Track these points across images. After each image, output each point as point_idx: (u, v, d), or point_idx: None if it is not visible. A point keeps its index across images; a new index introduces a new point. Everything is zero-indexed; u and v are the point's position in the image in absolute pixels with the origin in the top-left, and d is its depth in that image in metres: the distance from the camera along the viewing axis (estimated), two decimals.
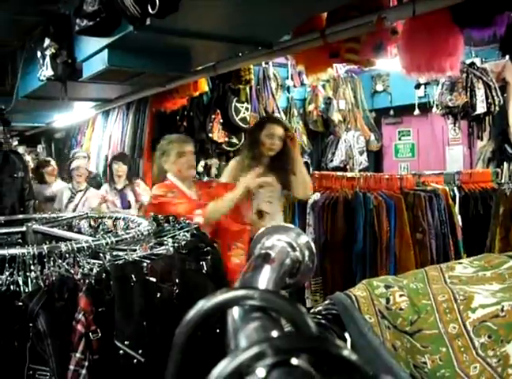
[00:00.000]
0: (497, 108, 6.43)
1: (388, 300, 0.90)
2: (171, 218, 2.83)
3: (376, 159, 8.61)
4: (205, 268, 2.25)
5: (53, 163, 6.99)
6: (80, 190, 5.94)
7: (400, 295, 0.91)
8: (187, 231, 2.51)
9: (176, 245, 2.24)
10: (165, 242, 2.25)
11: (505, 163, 5.91)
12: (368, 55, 3.88)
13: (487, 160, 6.87)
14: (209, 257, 2.34)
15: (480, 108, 6.39)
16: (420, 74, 3.65)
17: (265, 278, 0.55)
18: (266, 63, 6.89)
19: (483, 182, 5.23)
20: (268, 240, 0.67)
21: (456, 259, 4.37)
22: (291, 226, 0.71)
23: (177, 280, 2.05)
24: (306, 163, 7.35)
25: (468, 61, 6.23)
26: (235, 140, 6.59)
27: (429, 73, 3.56)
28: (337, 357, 0.37)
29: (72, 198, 5.90)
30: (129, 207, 5.69)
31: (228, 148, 6.55)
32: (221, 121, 6.39)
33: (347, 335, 0.82)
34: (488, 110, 6.42)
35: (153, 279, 2.00)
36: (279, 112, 7.21)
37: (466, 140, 7.40)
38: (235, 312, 0.46)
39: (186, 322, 0.47)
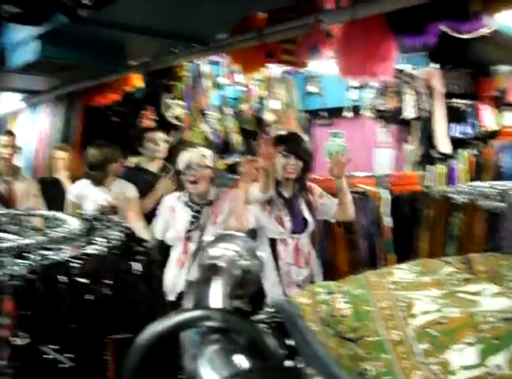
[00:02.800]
0: (425, 114, 6.62)
1: (330, 306, 0.89)
2: (103, 217, 2.76)
3: None
4: (139, 269, 2.19)
5: None
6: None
7: (343, 302, 0.90)
8: (119, 231, 2.45)
9: (108, 244, 2.18)
10: (96, 242, 2.19)
11: (431, 166, 6.10)
12: (303, 57, 3.90)
13: (415, 164, 7.06)
14: (143, 258, 2.29)
15: (410, 113, 6.56)
16: (355, 77, 3.71)
17: (217, 293, 0.52)
18: (200, 60, 6.83)
19: (412, 185, 5.37)
20: (215, 249, 0.65)
21: (384, 259, 4.47)
22: (238, 233, 0.69)
23: (109, 282, 1.99)
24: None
25: (398, 67, 6.37)
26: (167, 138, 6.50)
27: (363, 76, 3.62)
28: None
29: None
30: None
31: None
32: (154, 118, 6.29)
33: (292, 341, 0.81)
34: (417, 115, 6.61)
35: (84, 281, 1.94)
36: (212, 110, 7.16)
37: (395, 143, 7.58)
38: (192, 333, 0.43)
39: (139, 345, 0.44)
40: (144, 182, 4.69)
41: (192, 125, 6.79)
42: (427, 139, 7.02)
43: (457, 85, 7.24)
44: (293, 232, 3.48)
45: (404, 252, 4.31)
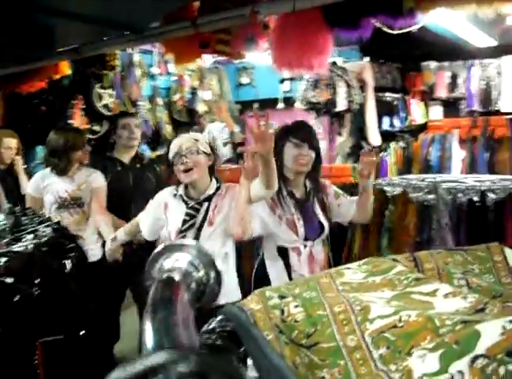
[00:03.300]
0: (356, 106, 6.72)
1: (283, 311, 0.85)
2: (29, 211, 2.64)
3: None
4: (69, 267, 2.10)
5: None
6: None
7: (295, 306, 0.86)
8: (48, 226, 2.34)
9: (36, 241, 2.07)
10: (24, 238, 2.08)
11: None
12: (239, 48, 3.85)
13: (346, 155, 7.17)
14: (73, 255, 2.20)
15: (341, 105, 6.65)
16: (290, 70, 3.69)
17: (179, 319, 0.47)
18: (132, 49, 6.66)
19: (343, 177, 5.42)
20: (167, 260, 0.58)
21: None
22: (191, 242, 0.63)
23: (37, 281, 1.89)
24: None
25: (331, 60, 6.43)
26: (97, 128, 6.32)
27: (299, 69, 3.61)
28: None
29: None
30: None
31: (89, 136, 6.26)
32: (83, 107, 6.09)
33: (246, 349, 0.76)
34: (348, 107, 6.70)
35: (10, 280, 1.83)
36: (143, 100, 7.02)
37: (327, 135, 7.66)
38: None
39: None
40: (115, 174, 4.29)
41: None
42: (358, 131, 7.15)
43: (388, 79, 7.39)
44: (306, 239, 3.03)
45: (338, 244, 4.34)
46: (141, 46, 6.44)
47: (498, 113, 7.11)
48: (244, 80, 8.57)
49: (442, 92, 7.53)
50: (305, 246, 3.03)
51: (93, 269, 3.63)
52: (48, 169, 4.10)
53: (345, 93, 6.62)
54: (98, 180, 4.12)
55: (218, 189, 3.11)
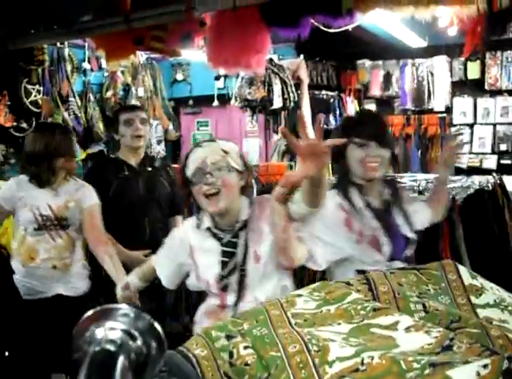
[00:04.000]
0: (292, 104, 6.70)
1: (231, 354, 0.76)
2: None
3: (174, 148, 8.52)
4: None
5: None
6: None
7: (245, 347, 0.77)
8: None
9: None
10: None
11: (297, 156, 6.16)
12: (174, 45, 3.73)
13: (281, 153, 7.13)
14: None
15: (277, 103, 6.60)
16: (227, 69, 3.61)
17: None
18: (61, 43, 6.40)
19: (279, 175, 5.39)
20: (99, 329, 0.48)
21: None
22: (123, 306, 0.52)
23: None
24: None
25: (267, 57, 6.38)
26: (24, 125, 6.03)
27: (236, 68, 3.53)
28: None
29: None
30: None
31: (17, 134, 5.97)
32: (8, 103, 5.81)
33: None
34: (284, 105, 6.66)
35: None
36: (74, 96, 6.76)
37: (263, 133, 7.62)
38: None
39: None
40: (122, 180, 3.54)
41: (52, 112, 6.34)
42: (294, 129, 7.12)
43: (323, 77, 7.41)
44: (391, 258, 2.40)
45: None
46: (71, 41, 6.19)
47: (430, 111, 7.26)
48: (179, 76, 8.41)
49: (376, 91, 7.61)
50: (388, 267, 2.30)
51: (72, 305, 3.13)
52: (25, 176, 3.27)
53: (281, 91, 6.59)
54: (90, 197, 3.29)
55: (251, 208, 2.32)
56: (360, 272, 2.19)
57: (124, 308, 0.53)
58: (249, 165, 2.38)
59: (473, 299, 0.94)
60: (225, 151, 2.24)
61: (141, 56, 7.34)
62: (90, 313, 0.52)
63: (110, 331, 0.48)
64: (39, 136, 3.24)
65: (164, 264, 2.45)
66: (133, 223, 3.49)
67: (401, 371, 0.70)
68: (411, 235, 2.47)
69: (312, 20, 3.33)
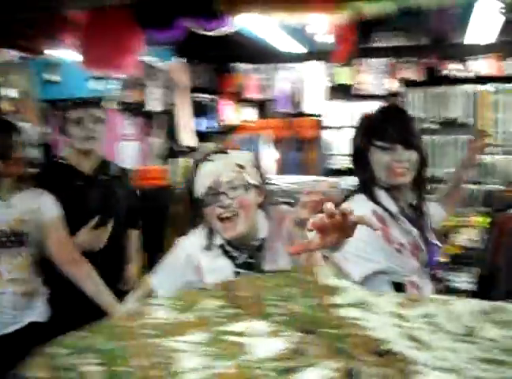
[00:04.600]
0: (169, 107, 6.65)
1: (79, 373, 0.70)
2: None
3: (46, 152, 8.17)
4: None
5: None
6: None
7: (95, 363, 0.71)
8: None
9: None
10: None
11: (174, 159, 6.16)
12: (42, 44, 3.58)
13: (159, 157, 7.06)
14: None
15: (154, 106, 6.53)
16: (99, 70, 3.52)
17: None
18: None
19: (157, 179, 5.36)
20: None
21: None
22: None
23: None
24: None
25: (143, 60, 6.29)
26: None
27: (108, 69, 3.44)
28: None
29: None
30: None
31: None
32: None
33: None
34: (161, 108, 6.61)
35: None
36: None
37: (140, 136, 7.49)
38: None
39: None
40: (75, 191, 3.06)
41: None
42: (172, 132, 7.08)
43: (201, 80, 7.41)
44: (427, 267, 2.17)
45: (152, 249, 4.23)
46: None
47: (304, 114, 7.46)
48: (51, 77, 8.07)
49: (252, 94, 7.71)
50: (423, 278, 2.15)
51: (32, 331, 2.70)
52: None
53: (158, 93, 6.53)
54: (51, 208, 2.82)
55: (269, 224, 2.06)
56: (396, 284, 2.06)
57: None
58: (264, 175, 2.13)
59: (333, 299, 0.96)
60: (241, 166, 1.98)
61: (10, 54, 6.98)
62: None
63: None
64: None
65: (168, 285, 2.08)
66: None
67: None
68: (438, 242, 2.28)
69: (187, 23, 3.32)
